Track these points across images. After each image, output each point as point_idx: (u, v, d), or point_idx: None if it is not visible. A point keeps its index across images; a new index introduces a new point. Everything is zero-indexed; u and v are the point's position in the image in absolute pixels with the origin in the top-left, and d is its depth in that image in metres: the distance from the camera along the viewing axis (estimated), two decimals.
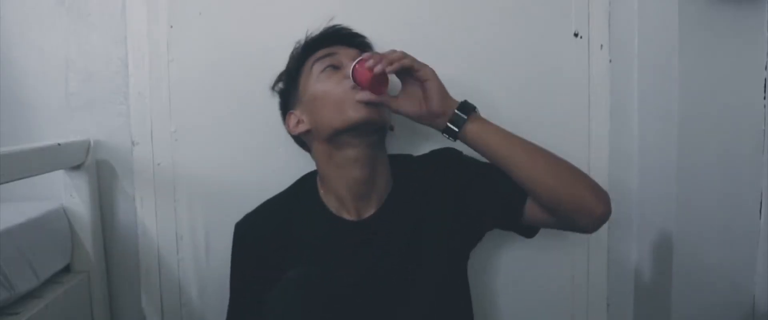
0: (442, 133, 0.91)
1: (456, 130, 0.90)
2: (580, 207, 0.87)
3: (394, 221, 0.98)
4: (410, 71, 0.89)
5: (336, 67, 0.97)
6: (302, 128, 0.99)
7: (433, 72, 0.90)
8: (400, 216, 0.98)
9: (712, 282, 1.07)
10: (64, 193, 1.13)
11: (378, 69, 0.86)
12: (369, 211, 0.98)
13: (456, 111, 0.90)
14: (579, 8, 1.15)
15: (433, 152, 1.07)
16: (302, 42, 1.03)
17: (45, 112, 1.17)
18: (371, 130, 0.95)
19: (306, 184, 1.04)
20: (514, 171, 0.90)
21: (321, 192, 1.01)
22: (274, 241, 0.98)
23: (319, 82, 0.97)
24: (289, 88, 1.03)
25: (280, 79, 1.07)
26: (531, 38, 1.15)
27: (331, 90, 0.94)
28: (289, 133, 1.03)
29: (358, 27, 1.05)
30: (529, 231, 1.00)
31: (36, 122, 1.17)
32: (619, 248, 1.18)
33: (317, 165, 1.02)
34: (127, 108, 1.17)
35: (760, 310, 1.06)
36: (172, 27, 1.15)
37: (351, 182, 0.97)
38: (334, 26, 1.03)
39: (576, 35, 1.15)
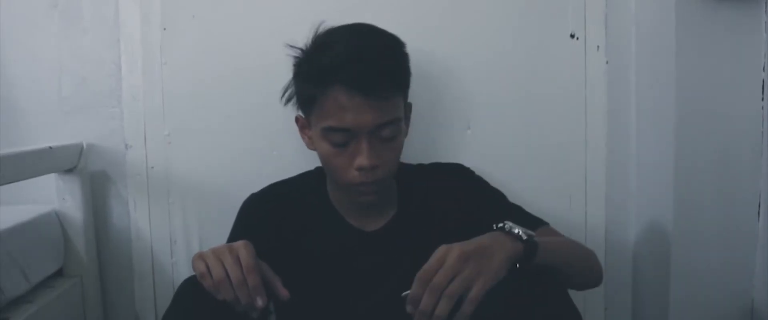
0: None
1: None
2: (595, 282, 0.97)
3: (401, 238, 0.96)
4: None
5: (341, 145, 0.87)
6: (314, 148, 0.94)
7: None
8: (407, 234, 0.96)
9: (710, 285, 1.06)
10: (57, 197, 1.12)
11: None
12: (374, 226, 0.97)
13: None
14: (575, 9, 1.14)
15: (441, 167, 1.05)
16: (324, 63, 0.86)
17: (38, 116, 1.17)
18: None
19: (311, 180, 1.01)
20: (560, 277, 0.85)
21: (328, 188, 0.99)
22: (279, 228, 0.96)
23: (325, 146, 0.88)
24: (303, 96, 0.92)
25: (289, 89, 0.97)
26: (527, 40, 1.15)
27: (338, 167, 0.89)
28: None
29: None
30: None
31: (29, 126, 1.17)
32: (616, 251, 1.17)
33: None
34: (120, 111, 1.16)
35: (758, 313, 1.05)
36: (165, 30, 1.14)
37: (355, 206, 0.96)
38: (357, 59, 0.84)
39: (572, 36, 1.14)
